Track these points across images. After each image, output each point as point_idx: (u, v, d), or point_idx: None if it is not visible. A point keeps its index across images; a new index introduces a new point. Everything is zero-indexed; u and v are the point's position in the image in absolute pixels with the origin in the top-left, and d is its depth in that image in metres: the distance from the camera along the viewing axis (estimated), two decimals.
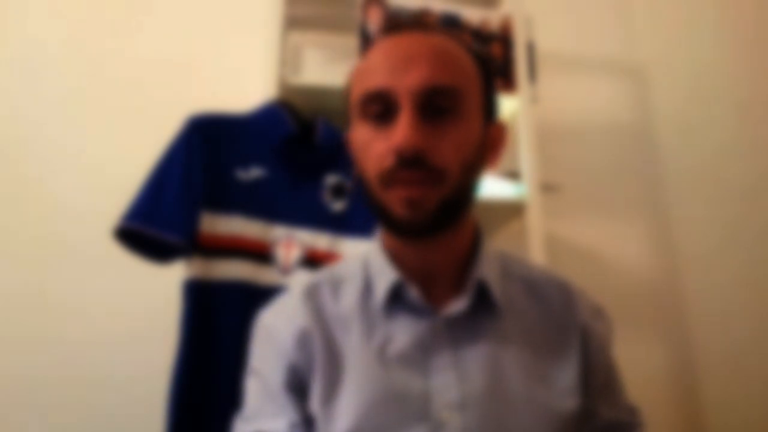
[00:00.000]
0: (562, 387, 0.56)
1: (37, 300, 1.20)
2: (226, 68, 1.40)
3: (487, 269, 0.59)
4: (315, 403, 0.54)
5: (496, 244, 0.66)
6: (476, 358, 0.55)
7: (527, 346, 0.57)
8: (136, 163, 0.91)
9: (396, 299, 0.58)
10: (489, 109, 0.59)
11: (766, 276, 1.58)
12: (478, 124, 0.56)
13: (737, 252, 1.59)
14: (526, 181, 1.14)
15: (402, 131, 0.50)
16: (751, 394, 1.47)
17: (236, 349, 0.79)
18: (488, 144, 0.59)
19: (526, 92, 1.19)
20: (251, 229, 0.89)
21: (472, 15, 1.22)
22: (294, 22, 1.19)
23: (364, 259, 0.63)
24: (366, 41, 1.13)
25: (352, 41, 1.15)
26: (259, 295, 0.84)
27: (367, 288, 0.60)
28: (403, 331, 0.56)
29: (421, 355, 0.55)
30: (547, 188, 1.24)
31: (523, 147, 1.16)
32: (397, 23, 0.69)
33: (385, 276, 0.58)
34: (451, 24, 1.20)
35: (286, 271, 0.90)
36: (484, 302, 0.57)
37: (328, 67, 1.19)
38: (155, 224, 0.83)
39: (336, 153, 0.97)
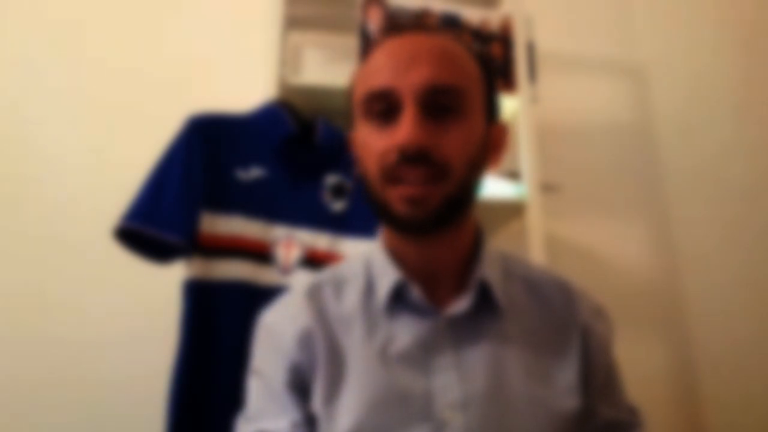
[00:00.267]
0: (563, 387, 0.56)
1: (36, 300, 1.20)
2: (226, 68, 1.40)
3: (489, 269, 0.59)
4: (317, 402, 0.54)
5: (496, 244, 0.66)
6: (478, 358, 0.55)
7: (528, 346, 0.57)
8: (136, 163, 0.91)
9: (398, 299, 0.58)
10: (491, 110, 0.60)
11: (766, 276, 1.59)
12: (480, 124, 0.57)
13: (737, 252, 1.59)
14: (526, 181, 1.14)
15: (406, 128, 0.51)
16: (751, 394, 1.47)
17: (236, 349, 0.79)
18: (490, 144, 0.59)
19: (526, 92, 1.19)
20: (251, 229, 0.89)
21: (472, 15, 1.22)
22: (294, 22, 1.19)
23: (365, 259, 0.63)
24: (366, 41, 1.13)
25: (352, 41, 1.15)
26: (259, 295, 0.84)
27: (369, 288, 0.60)
28: (405, 331, 0.56)
29: (423, 354, 0.55)
30: (547, 188, 1.24)
31: (523, 147, 1.16)
32: (398, 24, 0.69)
33: (388, 276, 0.58)
34: (451, 24, 1.20)
35: (286, 271, 0.90)
36: (485, 302, 0.58)
37: (328, 67, 1.19)
38: (155, 224, 0.83)
39: (336, 153, 0.97)
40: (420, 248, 0.58)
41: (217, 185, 0.88)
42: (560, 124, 1.55)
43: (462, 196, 0.54)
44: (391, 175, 0.52)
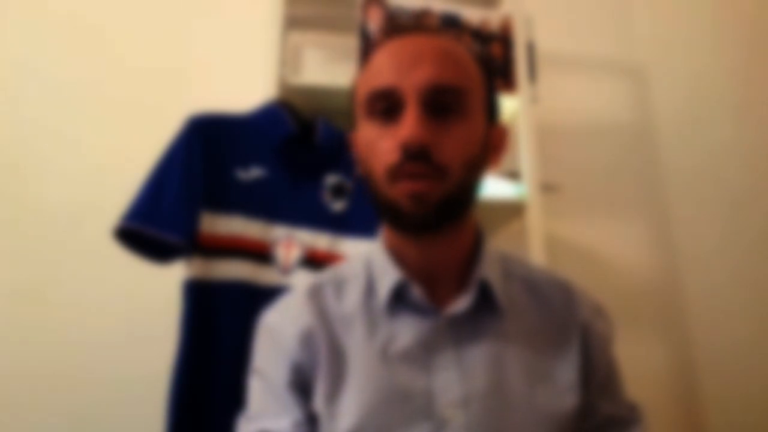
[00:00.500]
0: (563, 385, 0.56)
1: (36, 300, 1.20)
2: (226, 68, 1.40)
3: (489, 269, 0.59)
4: (319, 402, 0.55)
5: (496, 244, 0.66)
6: (478, 356, 0.55)
7: (528, 346, 0.57)
8: (136, 162, 0.91)
9: (399, 298, 0.58)
10: (491, 111, 0.60)
11: (766, 276, 1.59)
12: (481, 125, 0.57)
13: (737, 252, 1.59)
14: (526, 181, 1.14)
15: (408, 126, 0.51)
16: (751, 394, 1.47)
17: (236, 349, 0.79)
18: (490, 145, 0.60)
19: (526, 92, 1.19)
20: (251, 229, 0.89)
21: (472, 15, 1.22)
22: (294, 22, 1.19)
23: (366, 259, 0.63)
24: (366, 41, 1.13)
25: (352, 41, 1.15)
26: (259, 295, 0.84)
27: (369, 288, 0.60)
28: (406, 330, 0.56)
29: (424, 353, 0.55)
30: (547, 188, 1.24)
31: (523, 147, 1.16)
32: (399, 24, 0.69)
33: (388, 275, 0.58)
34: (451, 24, 1.20)
35: (286, 271, 0.90)
36: (486, 302, 0.58)
37: (328, 67, 1.19)
38: (155, 224, 0.83)
39: (336, 153, 0.97)
40: (421, 248, 0.58)
41: (217, 185, 0.88)
42: (560, 124, 1.55)
43: (461, 195, 0.55)
44: (396, 173, 0.52)
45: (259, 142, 0.94)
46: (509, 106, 1.20)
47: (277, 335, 0.60)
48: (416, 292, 0.57)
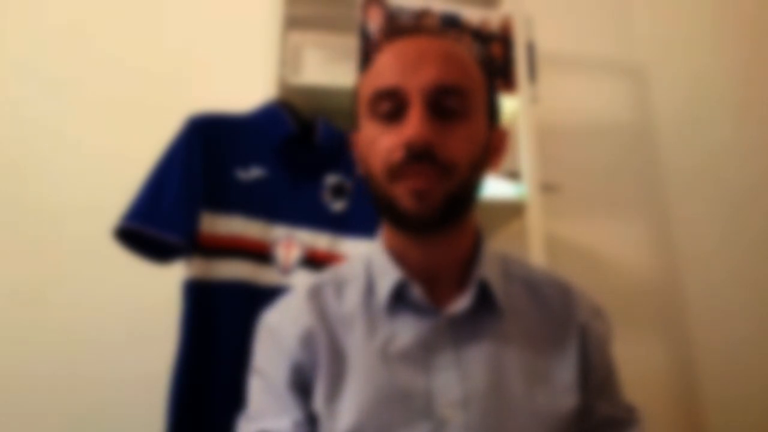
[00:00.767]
0: (562, 386, 0.56)
1: (36, 299, 1.20)
2: (226, 68, 1.40)
3: (489, 269, 0.59)
4: (319, 401, 0.55)
5: (496, 244, 0.67)
6: (478, 357, 0.55)
7: (528, 346, 0.58)
8: (136, 162, 0.91)
9: (399, 298, 0.58)
10: (492, 113, 0.61)
11: (766, 276, 1.59)
12: (483, 126, 0.58)
13: (737, 252, 1.59)
14: (526, 181, 1.14)
15: (413, 125, 0.51)
16: (751, 394, 1.47)
17: (236, 349, 0.79)
18: (491, 147, 0.60)
19: (526, 92, 1.19)
20: (251, 229, 0.89)
21: (472, 15, 1.22)
22: (294, 22, 1.19)
23: (366, 259, 0.64)
24: (366, 41, 1.13)
25: (352, 41, 1.15)
26: (259, 295, 0.84)
27: (369, 288, 0.60)
28: (406, 330, 0.57)
29: (423, 353, 0.55)
30: (547, 188, 1.24)
31: (523, 147, 1.16)
32: (400, 25, 0.69)
33: (388, 275, 0.58)
34: (451, 24, 1.20)
35: (286, 271, 0.90)
36: (485, 302, 0.58)
37: (328, 67, 1.19)
38: (155, 224, 0.83)
39: (336, 153, 0.97)
40: (421, 248, 0.58)
41: (217, 185, 0.88)
42: (560, 124, 1.55)
43: (464, 195, 0.55)
44: (398, 173, 0.53)
45: (259, 142, 0.94)
46: (509, 106, 1.20)
47: (278, 335, 0.60)
48: (416, 292, 0.57)
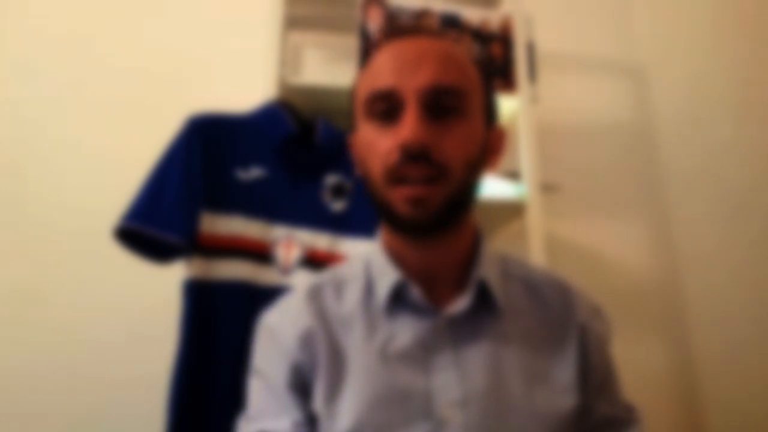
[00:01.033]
0: (561, 386, 0.56)
1: (36, 299, 1.20)
2: (226, 68, 1.40)
3: (488, 270, 0.59)
4: (318, 402, 0.55)
5: (496, 244, 0.67)
6: (477, 357, 0.55)
7: (527, 346, 0.57)
8: (136, 162, 0.91)
9: (398, 299, 0.58)
10: (490, 114, 0.60)
11: (766, 276, 1.59)
12: (480, 126, 0.58)
13: (737, 252, 1.59)
14: (526, 181, 1.14)
15: (408, 126, 0.51)
16: (751, 394, 1.47)
17: (236, 349, 0.79)
18: (489, 147, 0.60)
19: (526, 92, 1.19)
20: (251, 229, 0.89)
21: (472, 15, 1.22)
22: (294, 22, 1.19)
23: (365, 260, 0.64)
24: (366, 41, 1.13)
25: (352, 41, 1.15)
26: (259, 295, 0.84)
27: (369, 288, 0.60)
28: (405, 330, 0.56)
29: (422, 353, 0.55)
30: (547, 188, 1.24)
31: (523, 147, 1.16)
32: (399, 25, 0.69)
33: (388, 276, 0.58)
34: (451, 24, 1.20)
35: (286, 271, 0.90)
36: (484, 302, 0.58)
37: (328, 67, 1.19)
38: (155, 224, 0.83)
39: (336, 153, 0.97)
40: (420, 249, 0.58)
41: (217, 185, 0.88)
42: (560, 124, 1.55)
43: (462, 197, 0.55)
44: (394, 175, 0.53)
45: (259, 142, 0.94)
46: (509, 106, 1.20)
47: (277, 336, 0.60)
48: (415, 293, 0.57)
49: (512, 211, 1.16)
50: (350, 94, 0.62)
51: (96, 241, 1.03)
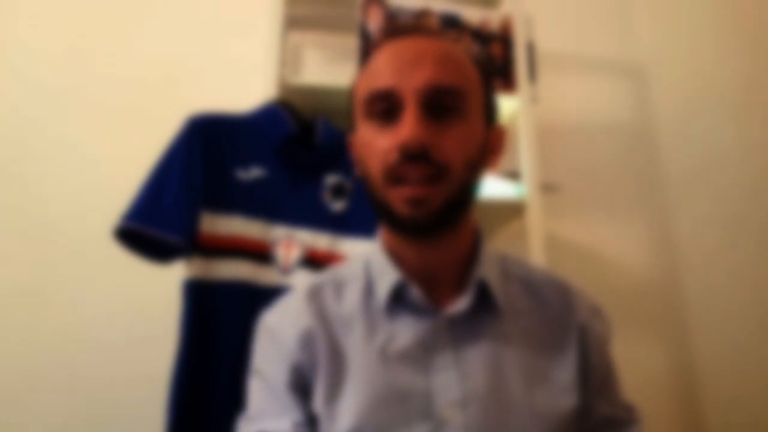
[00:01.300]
0: (561, 385, 0.56)
1: (36, 300, 1.20)
2: (226, 68, 1.40)
3: (488, 270, 0.59)
4: (318, 402, 0.55)
5: (496, 244, 0.67)
6: (477, 357, 0.55)
7: (527, 346, 0.57)
8: (136, 163, 0.91)
9: (398, 299, 0.58)
10: (489, 113, 0.60)
11: (766, 276, 1.59)
12: (479, 126, 0.57)
13: (737, 252, 1.59)
14: (526, 181, 1.14)
15: (407, 126, 0.51)
16: (751, 394, 1.47)
17: (236, 349, 0.79)
18: (488, 147, 0.60)
19: (526, 92, 1.19)
20: (251, 229, 0.89)
21: (472, 15, 1.22)
22: (294, 22, 1.19)
23: (365, 260, 0.64)
24: (366, 41, 1.13)
25: (352, 41, 1.15)
26: (259, 295, 0.84)
27: (369, 288, 0.60)
28: (405, 331, 0.56)
29: (422, 353, 0.55)
30: (547, 188, 1.24)
31: (523, 147, 1.16)
32: (398, 25, 0.69)
33: (387, 276, 0.58)
34: (451, 24, 1.20)
35: (286, 271, 0.90)
36: (484, 302, 0.58)
37: (328, 67, 1.19)
38: (155, 224, 0.83)
39: (336, 153, 0.97)
40: (420, 250, 0.58)
41: (217, 185, 0.88)
42: (560, 124, 1.55)
43: (462, 197, 0.55)
44: (394, 175, 0.53)
45: (259, 142, 0.94)
46: (509, 106, 1.20)
47: (277, 336, 0.60)
48: (415, 293, 0.57)
49: (512, 211, 1.16)
50: (350, 94, 0.62)
51: (96, 242, 1.03)
